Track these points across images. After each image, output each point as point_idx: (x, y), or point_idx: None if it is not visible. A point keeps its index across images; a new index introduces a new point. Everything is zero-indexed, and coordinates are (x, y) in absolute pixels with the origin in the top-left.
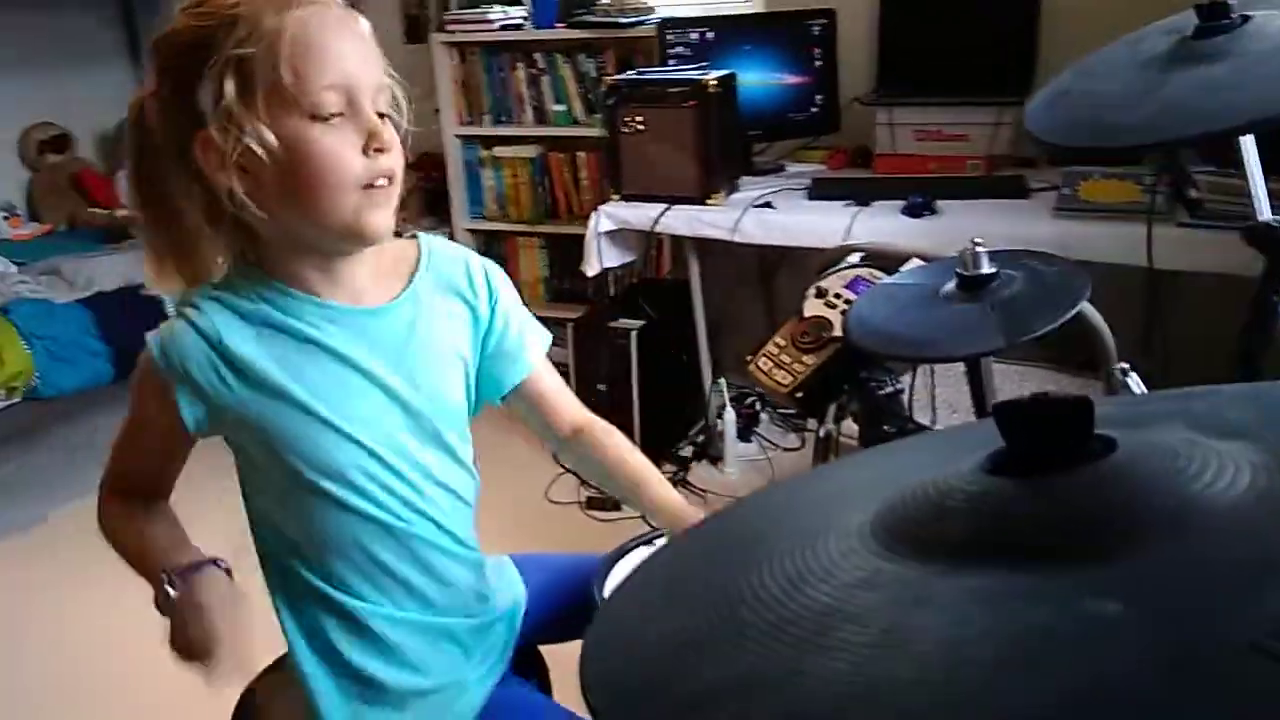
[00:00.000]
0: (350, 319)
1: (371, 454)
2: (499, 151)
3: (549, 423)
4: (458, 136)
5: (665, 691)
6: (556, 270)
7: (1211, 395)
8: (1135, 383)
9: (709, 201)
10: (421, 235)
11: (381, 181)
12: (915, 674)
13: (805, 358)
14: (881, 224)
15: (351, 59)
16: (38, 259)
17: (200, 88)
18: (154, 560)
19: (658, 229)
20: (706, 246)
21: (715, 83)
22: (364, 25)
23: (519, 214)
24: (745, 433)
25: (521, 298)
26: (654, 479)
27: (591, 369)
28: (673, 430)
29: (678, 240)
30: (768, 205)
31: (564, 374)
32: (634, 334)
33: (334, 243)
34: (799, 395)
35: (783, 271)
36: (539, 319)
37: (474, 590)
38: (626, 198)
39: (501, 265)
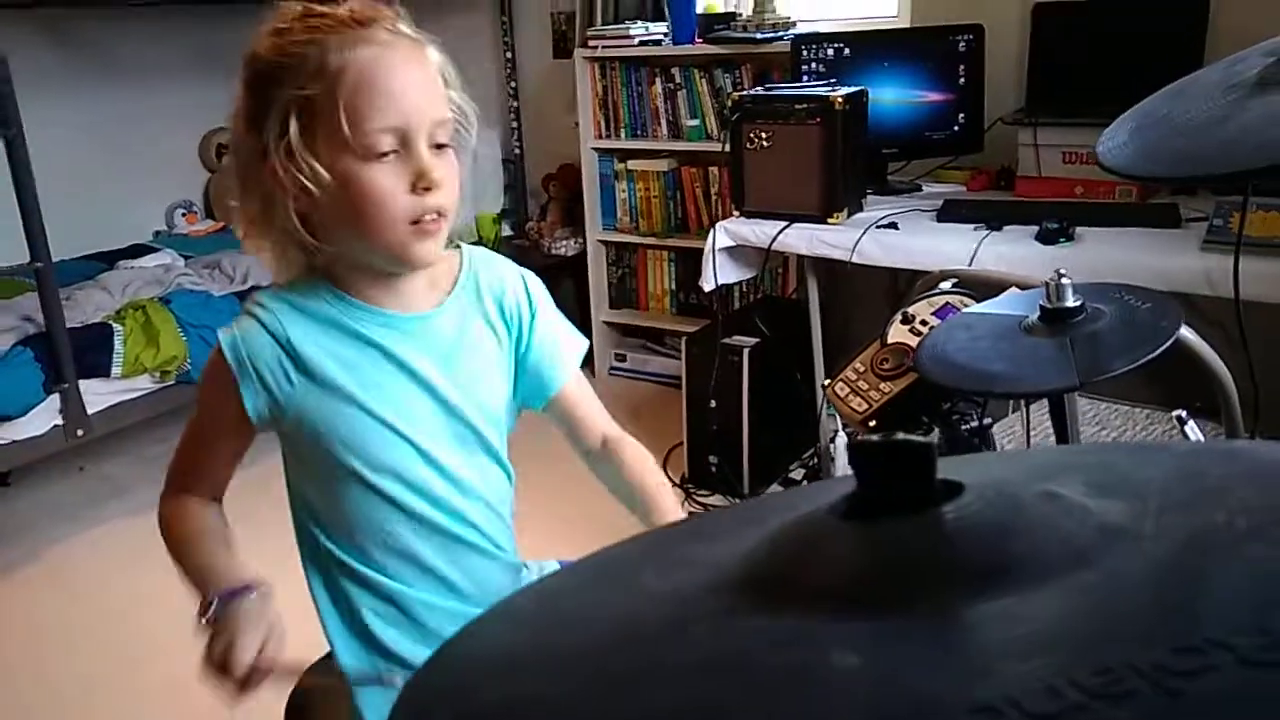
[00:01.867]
0: (404, 325)
1: (420, 452)
2: (633, 165)
3: (578, 433)
4: (594, 149)
5: None
6: (684, 284)
7: (1147, 452)
8: (1193, 430)
9: (830, 220)
10: (464, 246)
11: (430, 217)
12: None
13: (883, 385)
14: (1010, 250)
15: (410, 98)
16: (205, 253)
17: (268, 120)
18: (202, 581)
19: (776, 247)
20: (832, 266)
21: (843, 100)
22: (432, 56)
23: (650, 226)
24: None
25: (649, 309)
26: (668, 506)
27: (702, 385)
28: (784, 451)
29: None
30: (892, 226)
31: (676, 389)
32: (746, 351)
33: (384, 266)
34: (872, 424)
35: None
36: (664, 332)
37: (507, 593)
38: (747, 214)
39: (631, 277)
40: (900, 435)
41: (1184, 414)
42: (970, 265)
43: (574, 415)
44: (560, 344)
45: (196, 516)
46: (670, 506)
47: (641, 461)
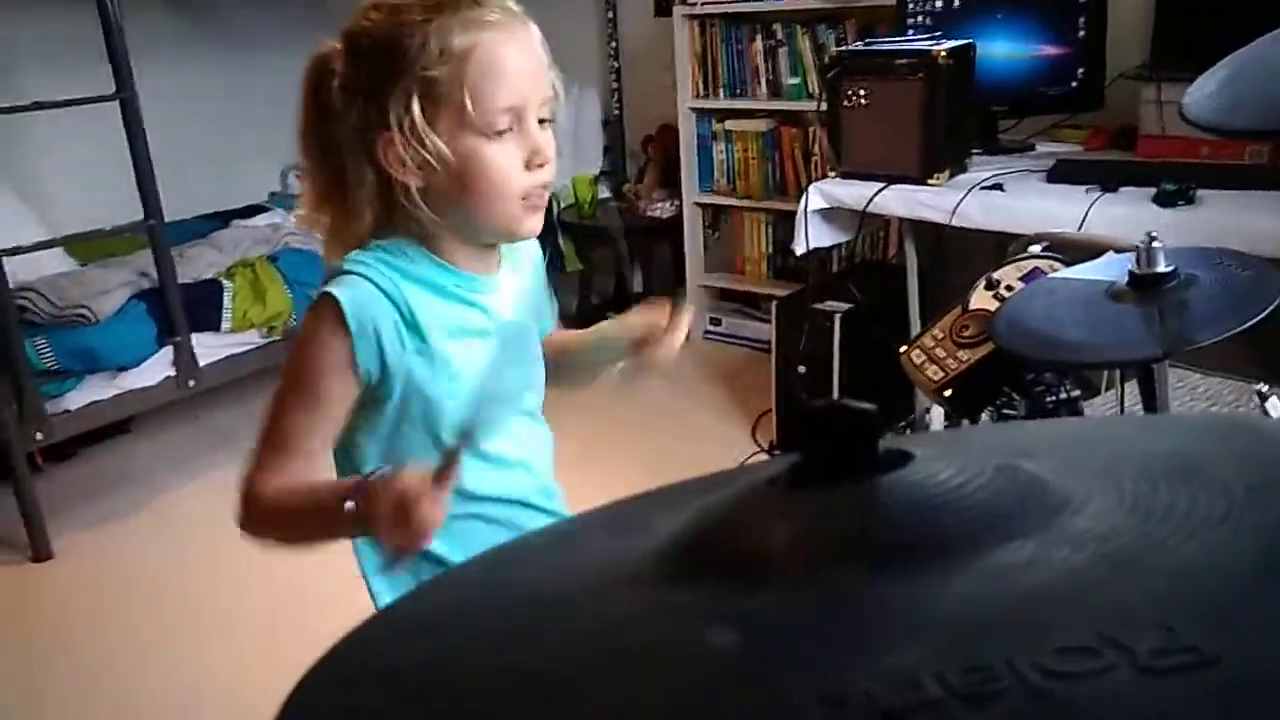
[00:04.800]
0: (488, 288)
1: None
2: (730, 125)
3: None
4: (692, 109)
5: None
6: (781, 247)
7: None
8: (1275, 407)
9: (930, 181)
10: None
11: (539, 192)
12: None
13: (960, 353)
14: (1124, 213)
15: (526, 77)
16: None
17: (391, 98)
18: (328, 500)
19: (873, 209)
20: (936, 230)
21: (946, 54)
22: (536, 34)
23: (747, 189)
24: (954, 428)
25: (745, 273)
26: (576, 333)
27: (793, 351)
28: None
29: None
30: (997, 187)
31: (769, 354)
32: (838, 317)
33: (490, 238)
34: (947, 394)
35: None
36: (760, 296)
37: None
38: (845, 175)
39: (728, 240)
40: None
41: (1264, 389)
42: (1080, 229)
43: (554, 357)
44: (545, 291)
45: (293, 487)
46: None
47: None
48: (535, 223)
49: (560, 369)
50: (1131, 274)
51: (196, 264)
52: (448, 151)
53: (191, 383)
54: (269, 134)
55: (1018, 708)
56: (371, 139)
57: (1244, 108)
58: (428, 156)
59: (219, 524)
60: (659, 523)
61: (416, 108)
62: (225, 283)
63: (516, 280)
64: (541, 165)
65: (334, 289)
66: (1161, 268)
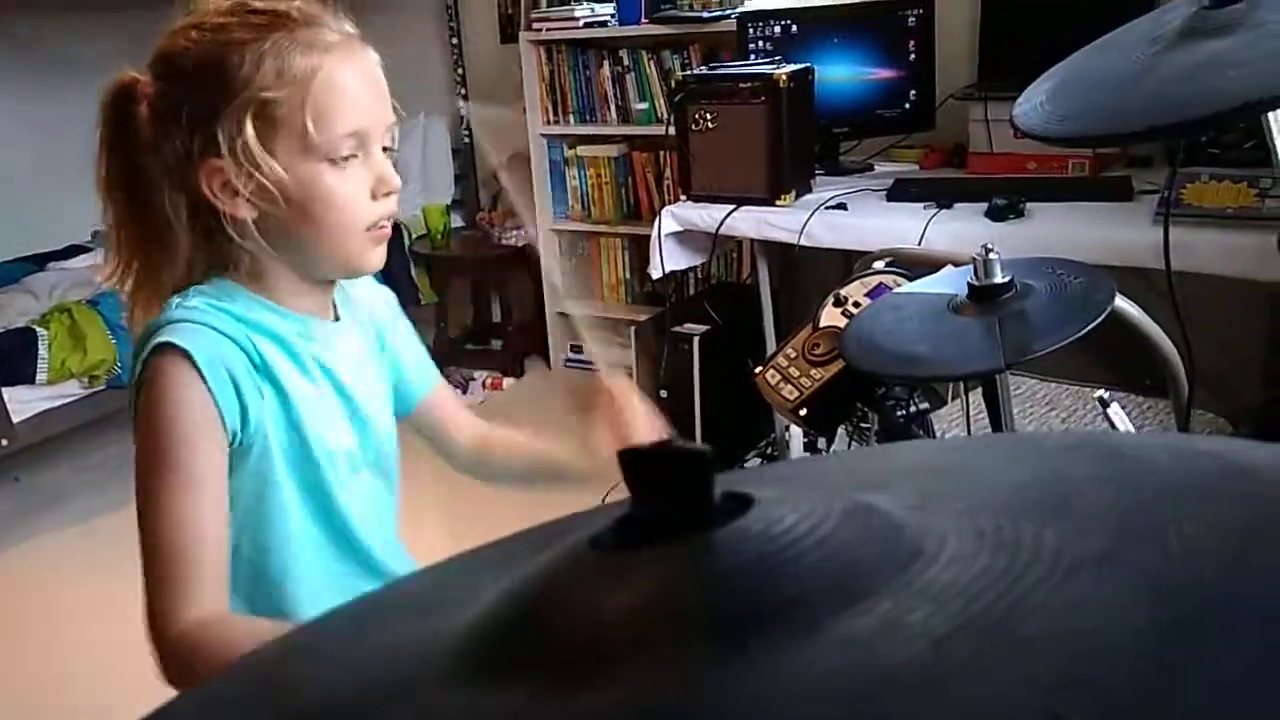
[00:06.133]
0: (324, 333)
1: (334, 468)
2: (582, 151)
3: (450, 432)
4: (543, 135)
5: None
6: (638, 272)
7: (1019, 449)
8: (1117, 414)
9: (778, 202)
10: None
11: (385, 223)
12: None
13: (814, 371)
14: (959, 228)
15: (368, 100)
16: None
17: (219, 121)
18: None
19: (724, 231)
20: (786, 250)
21: (787, 78)
22: (375, 58)
23: (601, 214)
24: (812, 446)
25: (604, 299)
26: (567, 455)
27: (653, 375)
28: (740, 441)
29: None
30: (841, 207)
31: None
32: (697, 339)
33: (329, 273)
34: (803, 413)
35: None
36: (620, 321)
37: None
38: (695, 198)
39: (586, 266)
40: (674, 441)
41: (1106, 395)
42: (920, 245)
43: (443, 418)
44: (418, 347)
45: (233, 619)
46: (569, 453)
47: (518, 437)
48: (379, 256)
49: (491, 469)
50: (970, 286)
51: (7, 312)
52: (286, 178)
53: (4, 440)
54: (90, 169)
55: None
56: (194, 169)
57: (1072, 116)
58: (264, 182)
59: (44, 594)
60: (474, 595)
61: (250, 131)
62: (40, 330)
63: (358, 340)
64: (388, 194)
65: (169, 337)
66: (999, 279)
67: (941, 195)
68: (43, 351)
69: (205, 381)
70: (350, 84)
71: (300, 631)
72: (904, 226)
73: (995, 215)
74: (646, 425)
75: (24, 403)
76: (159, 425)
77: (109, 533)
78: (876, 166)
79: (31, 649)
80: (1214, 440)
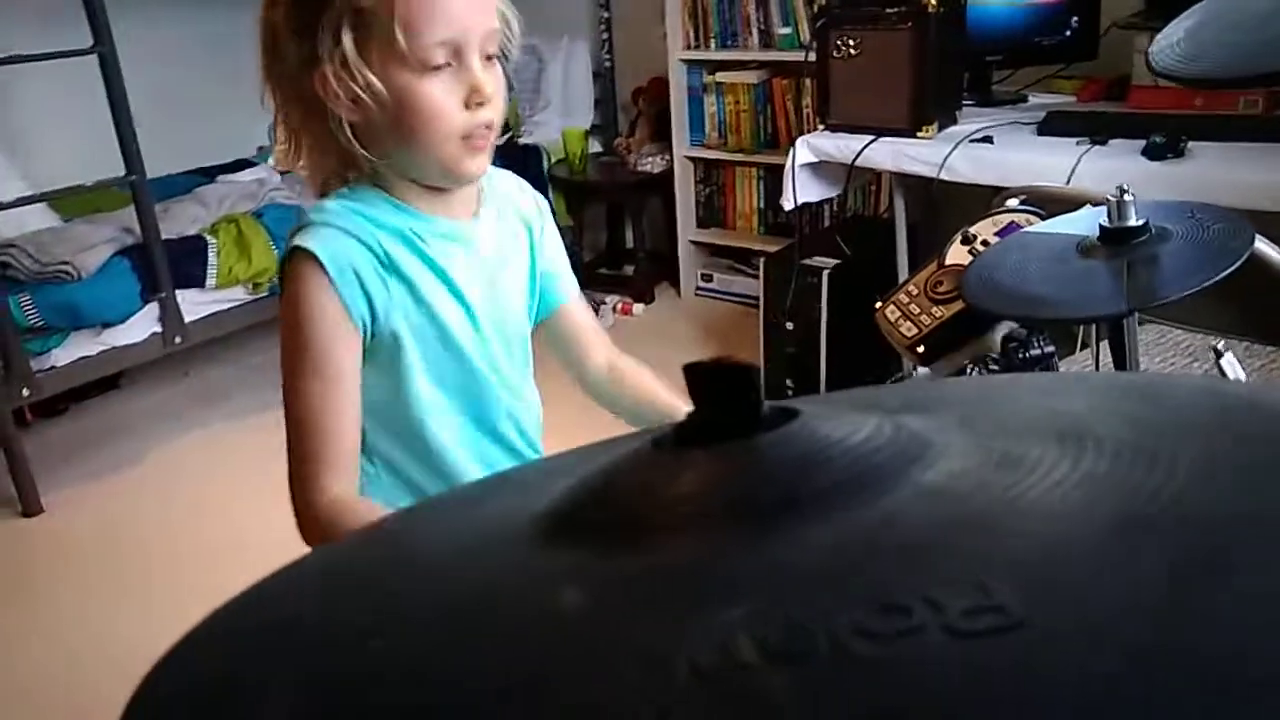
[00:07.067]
0: (454, 233)
1: (471, 368)
2: (721, 77)
3: (580, 353)
4: (682, 60)
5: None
6: (773, 202)
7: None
8: (1230, 363)
9: (919, 134)
10: None
11: (481, 132)
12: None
13: (934, 309)
14: (1113, 166)
15: (461, 8)
16: None
17: (319, 32)
18: None
19: (860, 163)
20: (926, 184)
21: (937, 3)
22: None
23: (738, 142)
24: None
25: (737, 228)
26: (674, 404)
27: (780, 307)
28: (865, 376)
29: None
30: (986, 140)
31: (755, 309)
32: (826, 273)
33: (433, 179)
34: (920, 350)
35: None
36: (751, 252)
37: None
38: (832, 128)
39: (719, 195)
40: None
41: (1221, 345)
42: (1069, 183)
43: (578, 333)
44: (563, 255)
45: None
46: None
47: (650, 379)
48: (477, 164)
49: (617, 404)
50: (1102, 228)
51: (180, 220)
52: (380, 85)
53: (178, 339)
54: (255, 87)
55: (819, 668)
56: (308, 75)
57: (1204, 56)
58: (359, 91)
59: (209, 479)
60: (571, 480)
61: (347, 39)
62: (210, 239)
63: (496, 236)
64: (481, 104)
65: (302, 241)
66: (1132, 221)
67: (1097, 130)
68: (212, 258)
69: (332, 281)
70: None
71: (425, 504)
72: (1052, 163)
73: (1153, 154)
74: None
75: (195, 304)
76: (294, 325)
77: (270, 427)
78: (1030, 98)
79: (207, 524)
80: (1253, 386)
